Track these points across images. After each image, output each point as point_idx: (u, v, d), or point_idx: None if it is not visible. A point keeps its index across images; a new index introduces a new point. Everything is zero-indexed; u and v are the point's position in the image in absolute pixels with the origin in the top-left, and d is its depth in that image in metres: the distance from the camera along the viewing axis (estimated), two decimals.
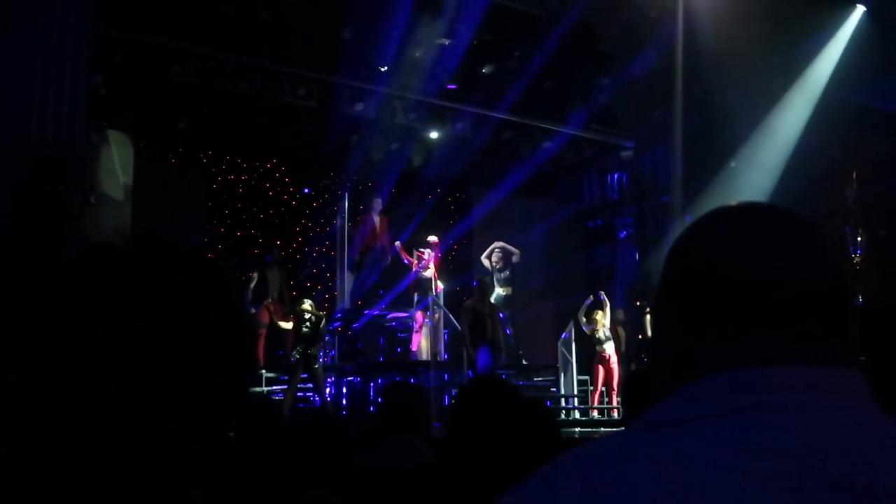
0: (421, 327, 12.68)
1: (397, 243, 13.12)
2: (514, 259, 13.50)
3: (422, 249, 12.90)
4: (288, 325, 11.29)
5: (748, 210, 0.96)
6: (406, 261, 13.02)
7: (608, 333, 12.31)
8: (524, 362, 13.73)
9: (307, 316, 10.69)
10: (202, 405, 0.87)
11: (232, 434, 0.91)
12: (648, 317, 12.19)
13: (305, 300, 10.95)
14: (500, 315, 13.09)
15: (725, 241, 0.92)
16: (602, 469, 0.82)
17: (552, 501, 0.82)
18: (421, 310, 12.64)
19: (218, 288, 0.91)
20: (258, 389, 11.03)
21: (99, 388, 0.82)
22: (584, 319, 12.35)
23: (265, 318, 12.02)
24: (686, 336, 0.92)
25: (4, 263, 7.52)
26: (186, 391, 0.85)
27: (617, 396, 11.97)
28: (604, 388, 12.37)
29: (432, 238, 13.03)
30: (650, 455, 0.82)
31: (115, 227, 10.77)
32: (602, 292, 12.94)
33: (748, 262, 0.89)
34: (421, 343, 12.64)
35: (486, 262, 13.50)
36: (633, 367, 12.70)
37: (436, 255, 12.89)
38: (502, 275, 13.28)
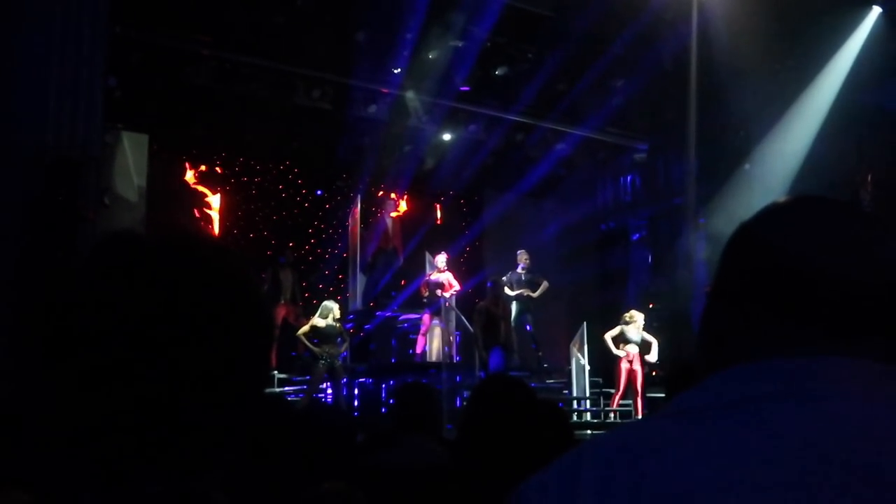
0: (427, 330, 12.66)
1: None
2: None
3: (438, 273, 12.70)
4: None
5: (803, 203, 0.96)
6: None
7: (638, 337, 12.03)
8: (545, 365, 13.67)
9: (337, 315, 10.84)
10: (217, 396, 0.86)
11: (247, 428, 0.91)
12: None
13: (333, 302, 11.07)
14: (528, 328, 13.08)
15: (772, 232, 0.93)
16: (626, 453, 0.83)
17: (575, 487, 0.82)
18: (430, 312, 12.63)
19: (237, 280, 0.91)
20: (270, 390, 11.06)
21: (113, 380, 0.82)
22: (612, 344, 12.04)
23: (278, 320, 12.04)
24: (725, 323, 0.94)
25: (19, 264, 7.56)
26: (201, 383, 0.85)
27: (641, 399, 11.80)
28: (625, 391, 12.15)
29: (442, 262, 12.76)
30: (673, 441, 0.82)
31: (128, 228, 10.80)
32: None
33: (789, 253, 0.90)
34: (432, 345, 12.63)
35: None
36: (645, 369, 12.61)
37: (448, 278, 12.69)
38: (525, 277, 13.22)
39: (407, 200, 15.62)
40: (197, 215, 13.66)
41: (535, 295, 13.16)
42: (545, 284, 13.23)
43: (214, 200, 14.04)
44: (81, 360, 0.82)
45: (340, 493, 2.10)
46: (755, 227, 0.96)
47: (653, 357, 11.85)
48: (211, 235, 12.96)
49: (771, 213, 0.96)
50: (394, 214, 15.20)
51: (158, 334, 0.83)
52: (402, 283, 14.53)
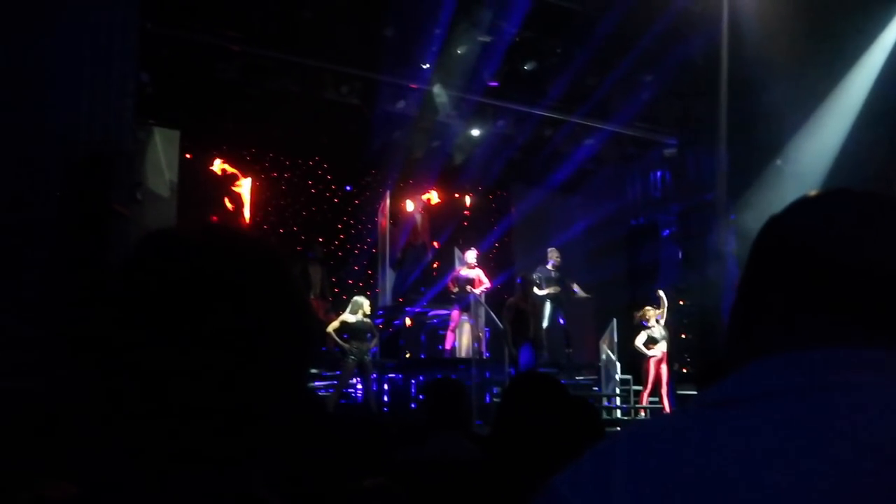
0: (457, 326, 12.67)
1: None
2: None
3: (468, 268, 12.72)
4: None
5: (834, 195, 0.96)
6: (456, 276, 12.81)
7: (663, 332, 12.06)
8: (574, 361, 13.65)
9: (367, 311, 10.94)
10: (260, 392, 0.87)
11: (289, 424, 0.91)
12: None
13: (363, 298, 11.10)
14: (561, 321, 13.06)
15: (803, 223, 0.93)
16: (658, 445, 0.83)
17: (608, 475, 0.82)
18: (459, 308, 12.64)
19: (280, 277, 0.91)
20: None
21: (158, 376, 0.82)
22: (644, 348, 12.06)
23: None
24: (754, 315, 0.93)
25: (52, 258, 7.64)
26: (245, 379, 0.85)
27: (665, 396, 11.79)
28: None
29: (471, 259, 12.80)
30: (707, 432, 0.82)
31: (161, 224, 10.95)
32: (660, 291, 12.69)
33: (819, 241, 0.89)
34: (462, 341, 12.63)
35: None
36: (675, 366, 12.56)
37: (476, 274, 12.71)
38: (554, 275, 13.20)
39: (436, 196, 15.63)
40: (229, 205, 13.75)
41: (583, 293, 13.23)
42: (577, 289, 13.27)
43: (245, 183, 14.07)
44: (127, 358, 0.82)
45: (381, 489, 2.11)
46: (785, 219, 0.96)
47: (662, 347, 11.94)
48: (248, 230, 13.01)
49: (801, 206, 0.96)
50: (425, 200, 15.21)
51: (202, 332, 0.83)
52: (434, 271, 14.52)
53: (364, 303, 11.02)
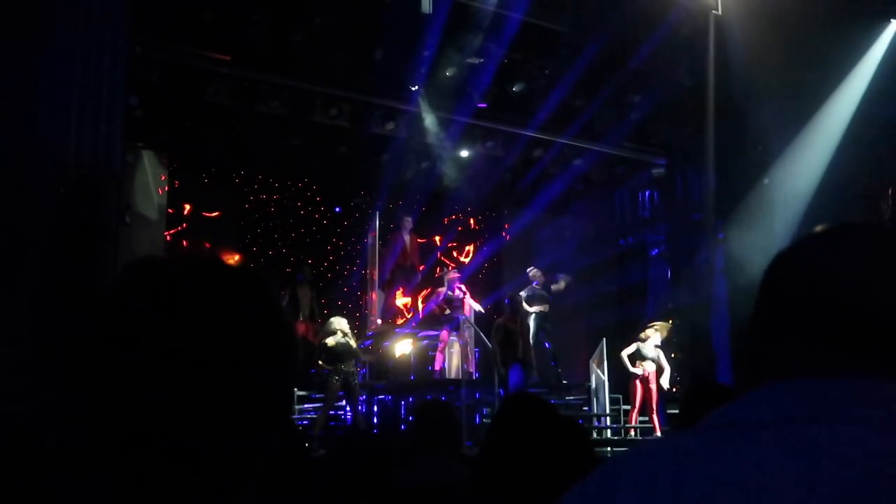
0: (445, 347, 12.65)
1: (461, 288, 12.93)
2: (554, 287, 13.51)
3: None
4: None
5: (842, 229, 0.98)
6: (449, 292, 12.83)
7: (655, 353, 12.03)
8: (564, 381, 13.65)
9: (346, 331, 10.68)
10: (245, 421, 0.87)
11: (273, 453, 0.92)
12: None
13: (339, 318, 10.90)
14: (546, 345, 13.08)
15: (811, 256, 0.95)
16: (665, 465, 0.84)
17: (614, 496, 0.84)
18: (448, 329, 12.62)
19: (263, 305, 0.92)
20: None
21: (139, 406, 0.83)
22: (628, 361, 12.04)
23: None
24: (762, 342, 0.96)
25: (42, 281, 7.61)
26: (229, 408, 0.86)
27: (655, 416, 11.76)
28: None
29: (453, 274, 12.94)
30: (714, 454, 0.84)
31: (149, 246, 10.92)
32: (670, 321, 12.74)
33: (828, 277, 0.92)
34: (451, 361, 12.61)
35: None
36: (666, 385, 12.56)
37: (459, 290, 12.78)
38: (542, 292, 13.23)
39: (425, 217, 15.65)
40: (215, 233, 13.74)
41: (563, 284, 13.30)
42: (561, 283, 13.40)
43: (233, 218, 14.05)
44: (109, 388, 0.83)
45: None
46: (792, 255, 0.98)
47: (665, 382, 11.83)
48: (235, 259, 12.98)
49: (807, 242, 0.98)
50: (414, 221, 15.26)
51: (186, 362, 0.84)
52: (424, 292, 14.55)
53: (341, 322, 10.82)
